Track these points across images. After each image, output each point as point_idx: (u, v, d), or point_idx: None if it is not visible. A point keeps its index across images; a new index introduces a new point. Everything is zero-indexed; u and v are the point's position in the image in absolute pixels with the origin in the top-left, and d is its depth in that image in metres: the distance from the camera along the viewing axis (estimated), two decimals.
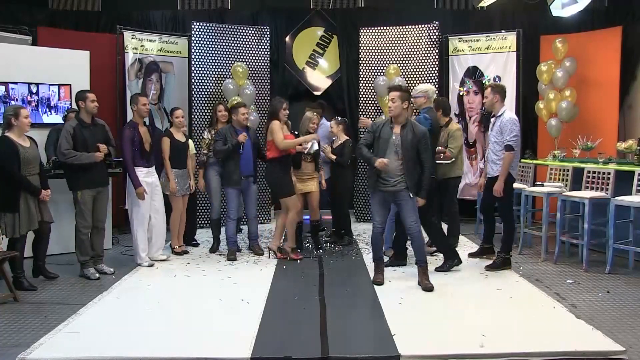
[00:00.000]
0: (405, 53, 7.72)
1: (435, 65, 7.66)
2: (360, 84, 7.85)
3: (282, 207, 5.66)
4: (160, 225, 5.54)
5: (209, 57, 7.42)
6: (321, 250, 5.99)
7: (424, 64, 7.67)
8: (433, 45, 7.66)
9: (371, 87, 7.75)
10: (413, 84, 7.64)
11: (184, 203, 5.93)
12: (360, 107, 7.83)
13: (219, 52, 7.48)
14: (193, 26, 7.41)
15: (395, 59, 7.69)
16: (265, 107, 7.55)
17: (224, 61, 7.46)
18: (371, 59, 7.79)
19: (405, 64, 7.70)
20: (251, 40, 7.65)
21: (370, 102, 7.79)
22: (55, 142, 5.88)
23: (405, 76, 7.64)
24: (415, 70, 7.70)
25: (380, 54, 7.77)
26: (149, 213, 5.41)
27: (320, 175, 6.00)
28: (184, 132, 5.91)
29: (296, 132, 5.91)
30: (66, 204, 5.42)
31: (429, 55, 7.67)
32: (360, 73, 7.85)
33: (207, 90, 7.43)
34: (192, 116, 7.42)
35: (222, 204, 6.20)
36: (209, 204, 7.31)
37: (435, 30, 7.63)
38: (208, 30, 7.43)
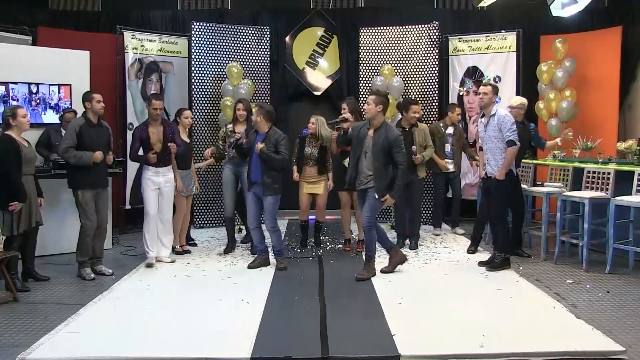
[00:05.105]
0: (405, 53, 7.72)
1: (435, 65, 7.66)
2: (360, 84, 7.84)
3: (341, 202, 5.96)
4: (166, 226, 5.53)
5: (209, 57, 7.41)
6: (321, 250, 6.00)
7: (424, 64, 7.67)
8: (433, 45, 7.65)
9: (371, 87, 7.75)
10: (413, 84, 7.68)
11: (188, 203, 5.94)
12: (360, 107, 7.81)
13: (219, 52, 7.47)
14: (193, 26, 7.41)
15: (395, 59, 7.69)
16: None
17: (224, 61, 7.45)
18: (371, 59, 7.79)
19: (405, 64, 7.70)
20: (251, 40, 7.64)
21: None
22: (46, 143, 5.85)
23: (405, 76, 7.64)
24: (415, 70, 7.69)
25: (380, 54, 7.76)
26: (156, 211, 5.39)
27: (327, 177, 5.99)
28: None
29: (305, 131, 5.97)
30: (67, 204, 5.41)
31: (429, 55, 7.66)
32: (360, 73, 7.84)
33: (207, 90, 7.42)
34: (192, 116, 7.41)
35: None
36: (207, 205, 7.38)
37: (435, 30, 7.63)
38: (208, 31, 7.43)
